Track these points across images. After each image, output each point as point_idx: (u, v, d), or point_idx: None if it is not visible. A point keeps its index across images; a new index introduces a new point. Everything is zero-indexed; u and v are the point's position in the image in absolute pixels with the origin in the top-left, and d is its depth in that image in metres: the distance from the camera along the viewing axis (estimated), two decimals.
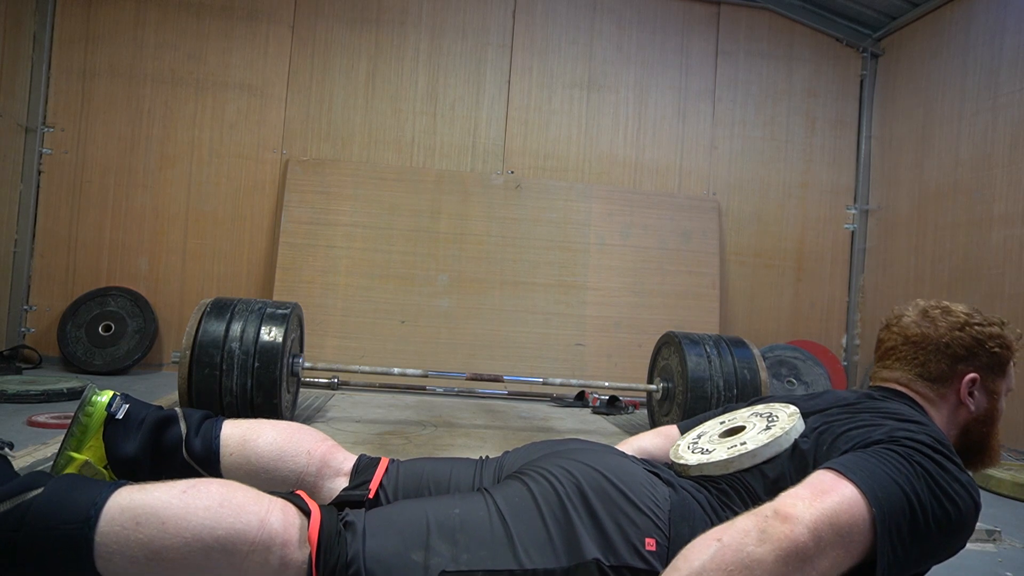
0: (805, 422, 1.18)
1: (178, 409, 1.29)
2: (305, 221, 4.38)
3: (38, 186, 4.32)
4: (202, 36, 4.49)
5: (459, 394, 4.17)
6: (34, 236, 4.32)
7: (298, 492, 1.03)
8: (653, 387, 3.13)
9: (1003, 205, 3.77)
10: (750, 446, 1.16)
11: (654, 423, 3.21)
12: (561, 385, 3.25)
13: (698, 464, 1.19)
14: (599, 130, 4.83)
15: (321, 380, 3.50)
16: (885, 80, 4.93)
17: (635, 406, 4.05)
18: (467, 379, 3.18)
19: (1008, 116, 3.79)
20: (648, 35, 4.89)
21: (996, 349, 1.22)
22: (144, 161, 4.42)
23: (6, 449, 1.05)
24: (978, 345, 1.21)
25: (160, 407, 1.30)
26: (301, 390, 3.68)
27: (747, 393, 2.83)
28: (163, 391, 3.50)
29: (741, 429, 1.24)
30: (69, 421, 2.54)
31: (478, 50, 4.74)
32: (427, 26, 4.70)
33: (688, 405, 2.80)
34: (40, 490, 0.92)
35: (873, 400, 1.20)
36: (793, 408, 1.22)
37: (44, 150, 4.33)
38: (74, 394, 3.16)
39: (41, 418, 2.59)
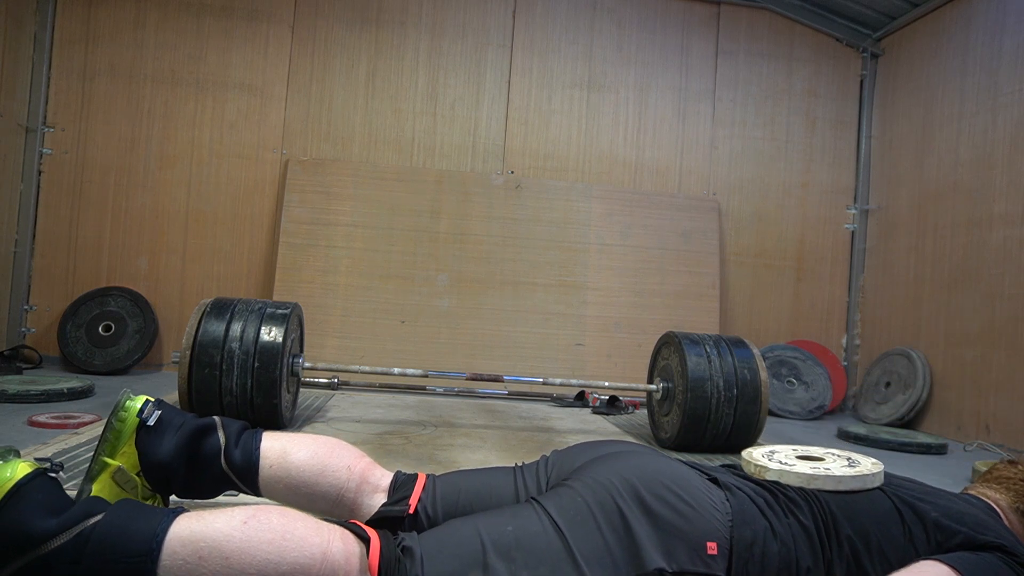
0: (892, 480, 1.23)
1: (216, 418, 1.28)
2: (305, 221, 4.38)
3: (38, 186, 4.32)
4: (202, 36, 4.49)
5: (459, 394, 4.17)
6: (34, 236, 4.32)
7: (354, 521, 1.03)
8: (653, 387, 3.12)
9: (1003, 205, 3.77)
10: (835, 472, 1.19)
11: (654, 423, 3.21)
12: (561, 385, 3.24)
13: (779, 470, 1.20)
14: (599, 130, 4.83)
15: (321, 380, 3.50)
16: (885, 80, 4.93)
17: (635, 406, 4.05)
18: (467, 379, 3.18)
19: (1008, 116, 3.79)
20: (648, 35, 4.89)
21: None
22: (144, 161, 4.43)
23: (61, 473, 1.04)
24: None
25: (195, 415, 1.29)
26: (301, 390, 3.68)
27: (747, 393, 2.83)
28: (163, 391, 3.50)
29: (819, 459, 1.28)
30: (69, 421, 2.55)
31: (478, 50, 4.74)
32: (427, 26, 4.71)
33: (688, 405, 2.80)
34: (99, 517, 0.91)
35: (967, 500, 1.24)
36: (877, 460, 1.27)
37: (44, 150, 4.33)
38: (74, 394, 3.16)
39: (41, 418, 2.59)
